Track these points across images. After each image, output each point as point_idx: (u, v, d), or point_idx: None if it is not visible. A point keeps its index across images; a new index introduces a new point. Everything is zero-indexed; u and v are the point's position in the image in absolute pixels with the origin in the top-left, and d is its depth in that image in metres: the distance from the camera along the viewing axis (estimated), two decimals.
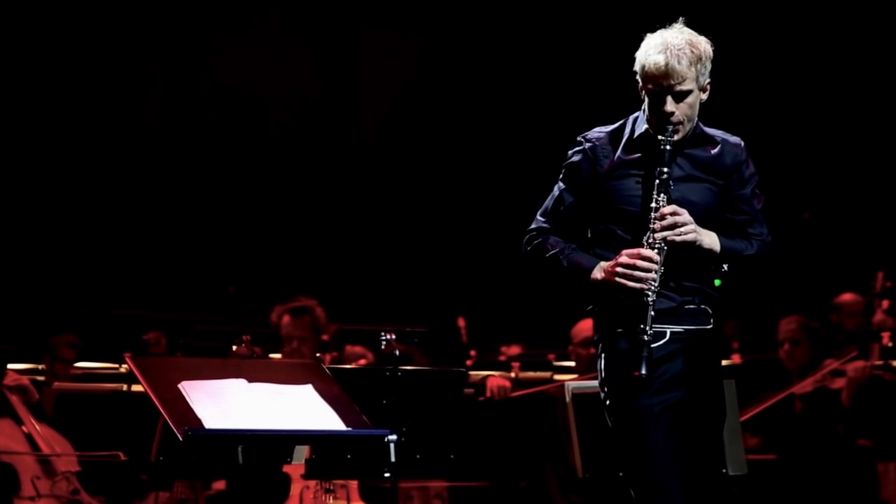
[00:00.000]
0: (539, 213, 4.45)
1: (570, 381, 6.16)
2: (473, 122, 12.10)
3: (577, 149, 4.41)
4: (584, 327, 7.83)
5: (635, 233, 4.29)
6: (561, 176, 4.44)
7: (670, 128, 4.28)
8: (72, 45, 10.89)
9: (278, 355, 7.59)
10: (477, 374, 8.47)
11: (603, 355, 4.36)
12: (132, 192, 10.84)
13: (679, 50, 4.25)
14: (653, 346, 4.22)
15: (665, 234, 4.23)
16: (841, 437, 7.56)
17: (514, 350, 9.30)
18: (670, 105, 4.26)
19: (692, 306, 4.38)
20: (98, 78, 10.85)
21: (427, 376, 6.18)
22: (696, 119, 4.39)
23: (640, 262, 4.21)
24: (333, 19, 12.01)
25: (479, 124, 12.03)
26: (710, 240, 4.33)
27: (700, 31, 4.40)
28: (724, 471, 5.69)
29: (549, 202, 4.44)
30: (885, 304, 8.21)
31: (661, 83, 4.25)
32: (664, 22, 4.42)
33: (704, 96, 4.36)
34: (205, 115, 11.43)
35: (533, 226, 4.43)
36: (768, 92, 11.46)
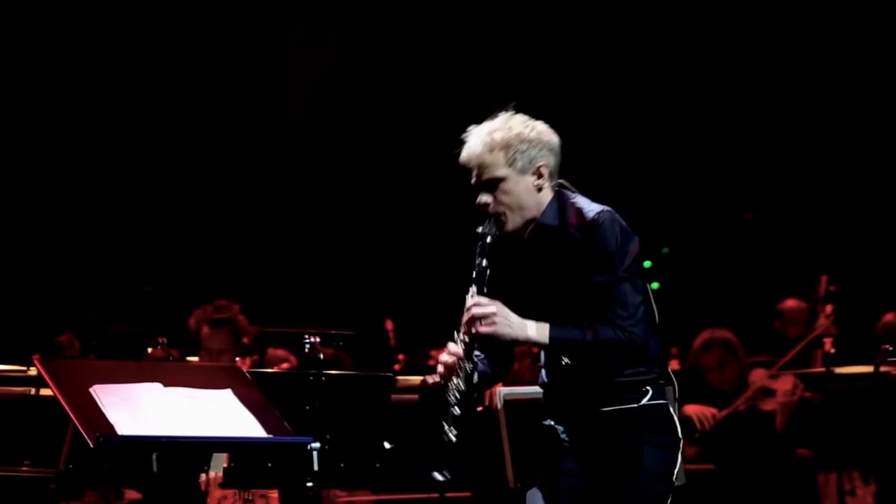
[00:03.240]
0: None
1: (502, 388, 6.13)
2: (402, 109, 12.12)
3: None
4: None
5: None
6: None
7: (489, 220, 4.30)
8: None
9: (196, 358, 7.55)
10: (406, 378, 8.46)
11: None
12: (39, 185, 10.74)
13: (478, 138, 4.29)
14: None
15: (466, 327, 4.29)
16: (779, 451, 7.64)
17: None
18: (483, 196, 4.30)
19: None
20: None
21: (352, 381, 6.19)
22: (544, 205, 4.34)
23: (440, 357, 4.35)
24: (258, 4, 12.00)
25: (408, 111, 12.05)
26: (529, 332, 4.24)
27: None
28: None
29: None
30: (829, 308, 8.29)
31: (470, 174, 4.32)
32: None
33: (539, 181, 4.30)
34: (124, 101, 11.37)
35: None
36: (710, 88, 11.58)
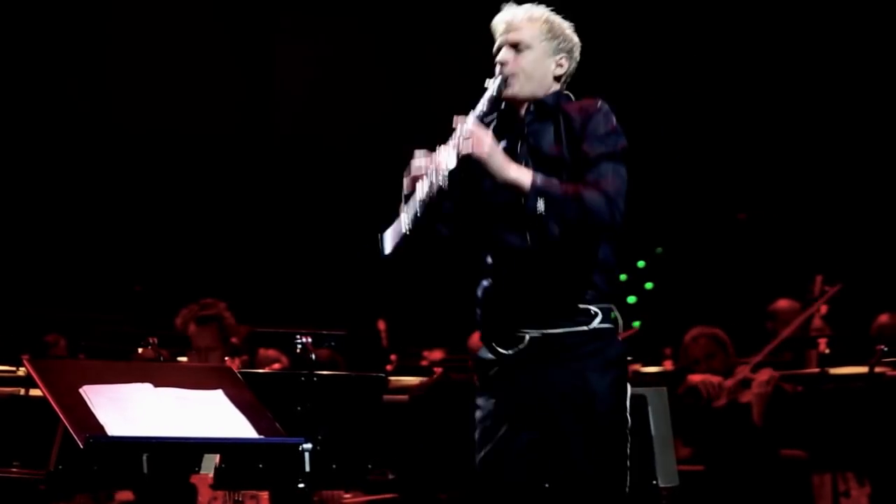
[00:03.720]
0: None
1: None
2: (392, 108, 12.12)
3: None
4: None
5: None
6: None
7: (498, 77, 4.37)
8: None
9: (185, 359, 7.54)
10: (398, 379, 8.46)
11: None
12: (30, 185, 10.73)
13: (522, 8, 4.44)
14: None
15: (455, 143, 4.23)
16: (757, 443, 7.64)
17: (437, 355, 9.32)
18: (504, 53, 4.39)
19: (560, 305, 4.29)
20: None
21: (344, 382, 6.18)
22: (549, 91, 4.43)
23: (415, 161, 4.31)
24: (249, 2, 12.00)
25: (399, 110, 12.06)
26: (511, 171, 4.20)
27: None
28: (654, 482, 5.75)
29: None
30: (824, 309, 8.29)
31: (497, 35, 4.42)
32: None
33: (557, 70, 4.43)
34: (115, 101, 11.36)
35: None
36: (703, 88, 11.59)
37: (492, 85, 4.36)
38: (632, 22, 11.54)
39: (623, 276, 12.36)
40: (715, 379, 7.75)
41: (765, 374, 7.70)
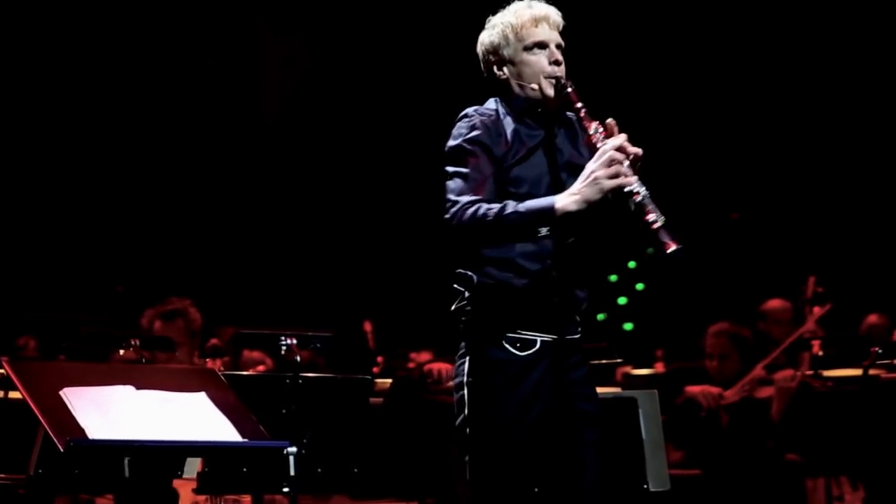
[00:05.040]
0: (455, 194, 4.22)
1: None
2: (379, 105, 12.12)
3: (473, 122, 4.32)
4: None
5: None
6: (465, 152, 4.29)
7: (560, 75, 4.34)
8: None
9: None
10: (385, 381, 8.45)
11: (468, 361, 4.32)
12: (9, 183, 10.70)
13: (556, 11, 4.40)
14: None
15: (622, 140, 4.16)
16: (770, 452, 7.64)
17: (424, 356, 9.29)
18: (559, 53, 4.35)
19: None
20: None
21: (330, 384, 6.17)
22: None
23: (615, 156, 4.11)
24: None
25: (385, 106, 12.06)
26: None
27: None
28: (645, 486, 5.74)
29: (463, 179, 4.25)
30: (817, 310, 8.29)
31: (549, 25, 4.35)
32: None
33: None
34: (98, 99, 11.34)
35: (462, 200, 4.18)
36: (697, 88, 11.61)
37: (546, 86, 4.32)
38: (626, 22, 11.55)
39: (613, 277, 12.37)
40: (714, 390, 7.76)
41: (788, 371, 7.72)
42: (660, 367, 9.58)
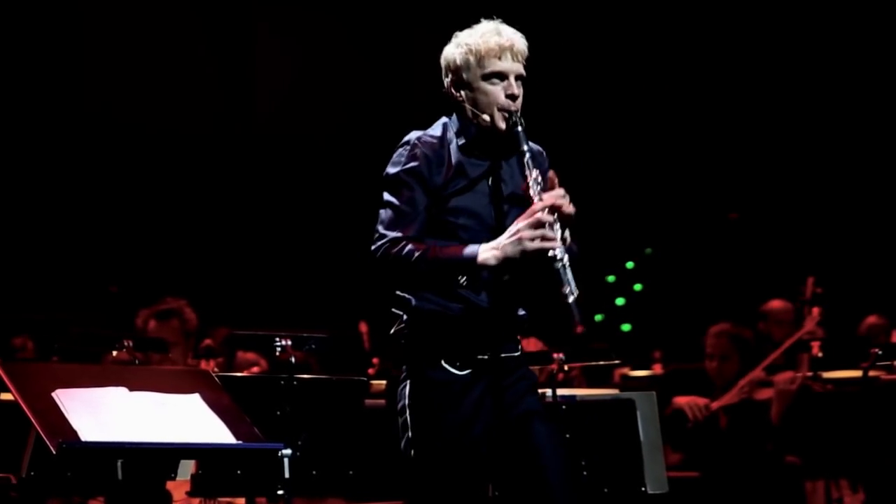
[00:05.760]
0: (384, 226, 4.26)
1: None
2: (374, 103, 12.11)
3: (415, 152, 4.32)
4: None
5: (488, 236, 4.26)
6: (401, 182, 4.31)
7: (510, 113, 4.28)
8: None
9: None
10: (380, 383, 8.44)
11: (409, 384, 4.31)
12: (1, 184, 10.70)
13: (520, 37, 4.33)
14: None
15: (557, 198, 4.16)
16: (769, 454, 7.64)
17: None
18: (518, 88, 4.30)
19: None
20: None
21: (325, 386, 6.16)
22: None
23: (543, 218, 4.11)
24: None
25: (380, 105, 12.05)
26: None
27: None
28: (642, 489, 5.73)
29: (394, 212, 4.28)
30: (816, 311, 8.29)
31: (510, 56, 4.29)
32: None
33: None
34: (92, 99, 11.33)
35: (389, 235, 4.23)
36: (696, 88, 11.62)
37: (499, 119, 4.27)
38: (624, 23, 11.55)
39: (611, 278, 12.37)
40: (701, 401, 7.77)
41: (787, 374, 7.72)
42: (658, 369, 9.58)
